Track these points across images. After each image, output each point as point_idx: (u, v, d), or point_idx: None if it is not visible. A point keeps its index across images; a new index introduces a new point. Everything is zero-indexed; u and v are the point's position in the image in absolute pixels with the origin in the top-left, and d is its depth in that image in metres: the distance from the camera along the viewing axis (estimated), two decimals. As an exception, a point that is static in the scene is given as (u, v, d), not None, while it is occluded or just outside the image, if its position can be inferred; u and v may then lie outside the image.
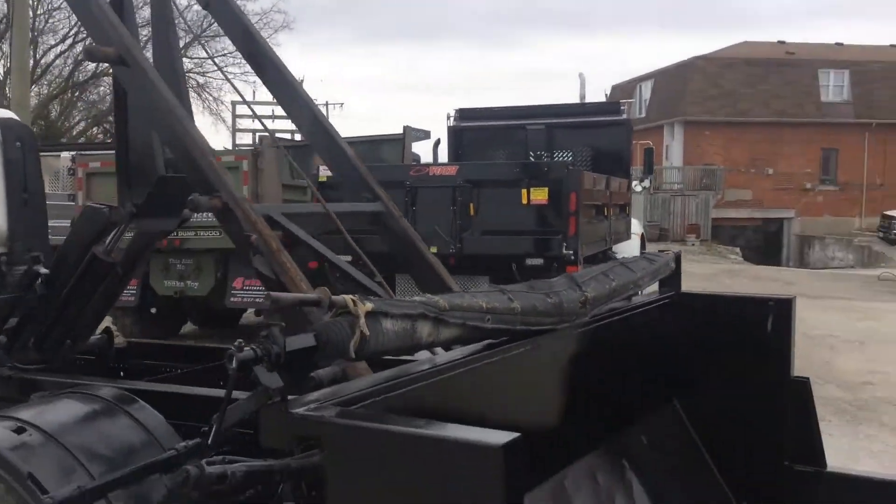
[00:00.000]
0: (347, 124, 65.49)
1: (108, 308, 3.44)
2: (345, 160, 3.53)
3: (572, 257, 6.86)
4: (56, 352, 3.16)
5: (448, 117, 10.89)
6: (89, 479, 2.38)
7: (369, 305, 1.84)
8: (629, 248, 9.96)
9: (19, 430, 2.52)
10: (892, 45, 41.58)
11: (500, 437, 1.43)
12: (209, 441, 1.84)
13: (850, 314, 12.32)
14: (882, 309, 13.25)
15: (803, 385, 3.00)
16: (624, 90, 44.76)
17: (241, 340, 1.68)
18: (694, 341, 3.13)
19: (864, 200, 36.34)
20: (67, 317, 3.12)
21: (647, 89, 41.88)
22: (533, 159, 9.69)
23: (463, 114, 10.74)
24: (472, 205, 7.09)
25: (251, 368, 1.65)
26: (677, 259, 3.27)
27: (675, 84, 37.89)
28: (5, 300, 3.15)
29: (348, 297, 1.82)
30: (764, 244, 35.30)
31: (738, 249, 31.03)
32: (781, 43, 40.87)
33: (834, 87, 37.30)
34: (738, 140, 35.74)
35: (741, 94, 35.81)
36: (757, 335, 3.12)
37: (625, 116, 10.69)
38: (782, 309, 3.12)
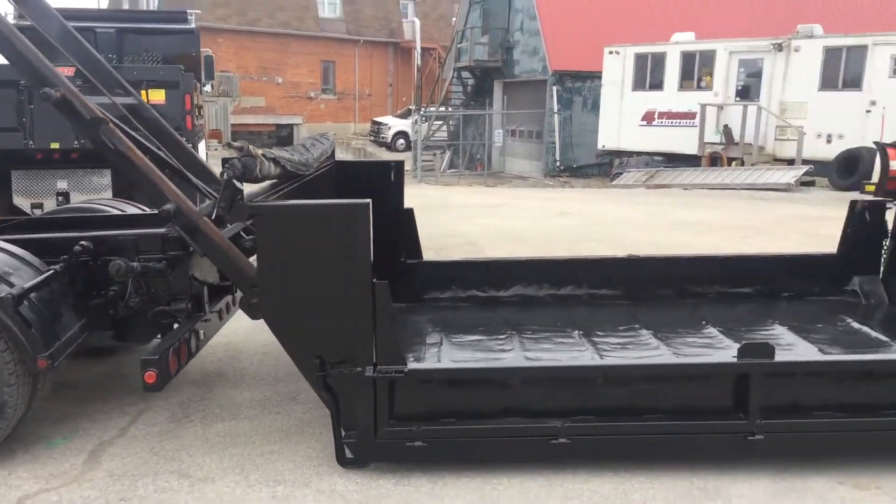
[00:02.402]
0: None
1: None
2: (97, 62, 4.63)
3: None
4: None
5: (16, 17, 10.72)
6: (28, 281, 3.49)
7: (259, 151, 3.46)
8: (202, 145, 11.42)
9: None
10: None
11: (358, 203, 3.29)
12: (216, 210, 3.30)
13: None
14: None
15: (409, 213, 5.32)
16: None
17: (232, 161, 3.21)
18: (345, 191, 5.16)
19: (357, 108, 42.09)
20: None
21: (154, -7, 41.04)
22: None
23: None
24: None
25: (233, 177, 3.20)
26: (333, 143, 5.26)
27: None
28: None
29: (251, 147, 3.42)
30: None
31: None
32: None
33: (329, 3, 41.61)
34: (249, 48, 37.85)
35: (249, 3, 37.80)
36: (385, 187, 5.30)
37: (193, 26, 11.83)
38: (398, 167, 5.37)
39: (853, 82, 17.57)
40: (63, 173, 8.13)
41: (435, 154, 26.62)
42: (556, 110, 24.61)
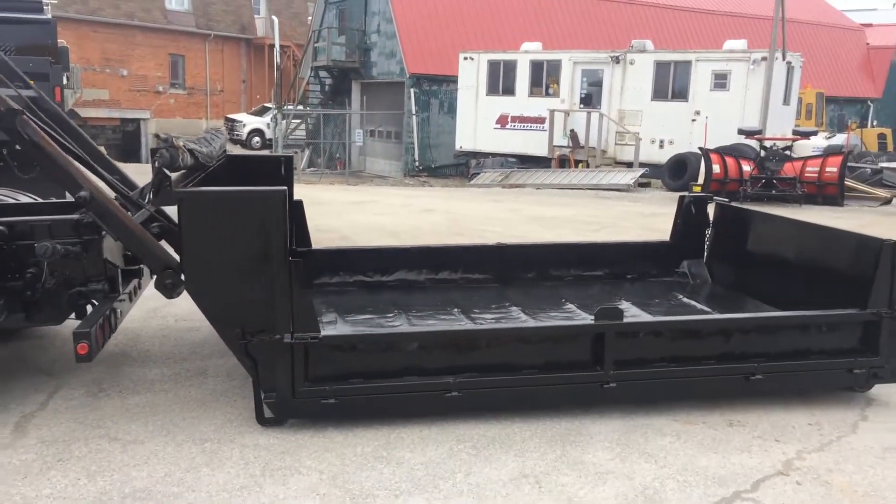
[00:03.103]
0: None
1: None
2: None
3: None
4: None
5: None
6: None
7: (180, 143, 3.83)
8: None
9: None
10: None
11: (277, 190, 3.74)
12: (152, 195, 3.62)
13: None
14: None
15: (299, 204, 5.75)
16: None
17: (161, 142, 3.56)
18: (239, 182, 5.54)
19: (209, 104, 41.07)
20: None
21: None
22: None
23: None
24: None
25: (163, 166, 3.56)
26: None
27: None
28: None
29: (176, 139, 3.78)
30: (123, 143, 37.04)
31: (102, 148, 32.16)
32: (122, -56, 41.88)
33: (176, -4, 40.37)
34: (91, 38, 36.09)
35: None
36: (275, 179, 5.71)
37: (49, 16, 11.52)
38: (288, 161, 5.79)
39: (681, 93, 19.49)
40: (-78, 164, 7.84)
41: (295, 153, 26.67)
42: (414, 112, 25.39)
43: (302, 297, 3.84)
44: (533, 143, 20.89)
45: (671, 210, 6.74)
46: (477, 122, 21.96)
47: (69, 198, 4.18)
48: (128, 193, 4.77)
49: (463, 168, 24.45)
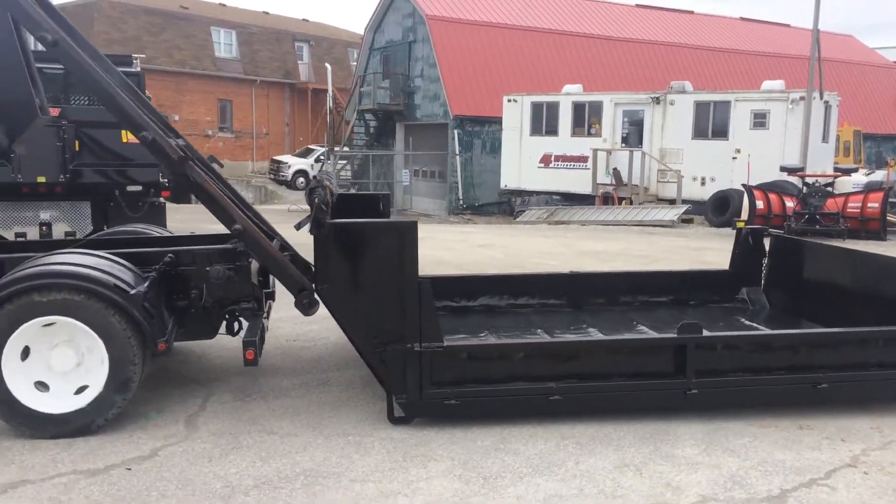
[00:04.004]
0: None
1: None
2: (150, 106, 5.55)
3: (166, 183, 9.04)
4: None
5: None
6: (136, 284, 4.40)
7: (328, 183, 4.56)
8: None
9: (80, 265, 4.31)
10: (265, 12, 48.56)
11: (411, 222, 4.43)
12: (311, 226, 4.32)
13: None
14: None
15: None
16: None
17: (314, 181, 4.28)
18: (347, 217, 6.27)
19: (255, 147, 42.52)
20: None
21: (43, 25, 40.32)
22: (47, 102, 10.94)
23: None
24: (77, 142, 8.53)
25: (321, 202, 4.27)
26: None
27: (78, 24, 37.55)
28: None
29: (324, 178, 4.51)
30: (174, 184, 38.43)
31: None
32: (174, -4, 43.92)
33: (225, 44, 42.12)
34: (148, 86, 37.52)
35: (145, 41, 37.81)
36: (375, 215, 6.41)
37: (138, 69, 12.53)
38: (385, 199, 6.50)
39: (720, 132, 20.08)
40: (46, 205, 8.74)
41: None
42: (457, 152, 26.25)
43: (428, 312, 4.51)
44: (576, 181, 21.58)
45: (718, 244, 7.35)
46: (521, 162, 22.73)
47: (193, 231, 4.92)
48: (261, 226, 5.51)
49: (505, 206, 25.17)
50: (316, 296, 4.74)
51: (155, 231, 6.14)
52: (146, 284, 4.43)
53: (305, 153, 37.99)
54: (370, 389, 5.14)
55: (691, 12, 37.08)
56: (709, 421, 4.76)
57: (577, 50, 28.98)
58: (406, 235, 4.42)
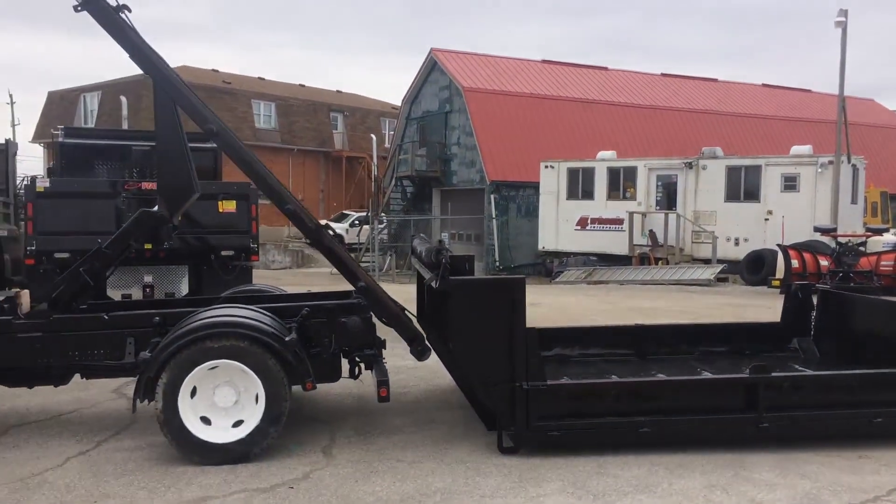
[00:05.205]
0: None
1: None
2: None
3: (256, 249, 9.98)
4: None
5: (55, 134, 12.26)
6: (283, 333, 5.18)
7: (447, 247, 5.37)
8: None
9: (242, 316, 5.12)
10: (301, 85, 50.65)
11: (520, 277, 5.21)
12: (438, 282, 5.11)
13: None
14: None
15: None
16: (65, 98, 44.26)
17: (439, 245, 5.08)
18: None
19: (291, 212, 43.82)
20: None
21: (93, 101, 42.49)
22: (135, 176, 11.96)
23: (68, 132, 12.25)
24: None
25: (446, 262, 5.07)
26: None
27: (130, 100, 39.51)
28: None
29: (445, 243, 5.32)
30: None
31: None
32: (216, 72, 46.09)
33: (265, 115, 43.98)
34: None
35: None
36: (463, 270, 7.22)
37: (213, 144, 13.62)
38: (470, 260, 7.30)
39: (752, 195, 20.86)
40: (147, 269, 9.64)
41: (379, 255, 28.61)
42: (494, 216, 27.20)
43: (534, 355, 5.24)
44: (612, 242, 22.36)
45: (755, 301, 8.07)
46: (558, 224, 23.60)
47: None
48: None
49: (540, 267, 25.94)
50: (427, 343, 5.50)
51: (274, 290, 6.97)
52: (294, 334, 5.22)
53: (340, 218, 39.22)
54: (473, 426, 5.84)
55: (715, 80, 38.32)
56: (778, 451, 5.39)
57: (607, 117, 30.14)
58: (515, 289, 5.20)
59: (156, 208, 5.82)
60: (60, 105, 44.27)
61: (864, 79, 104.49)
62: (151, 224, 5.83)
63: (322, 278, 25.04)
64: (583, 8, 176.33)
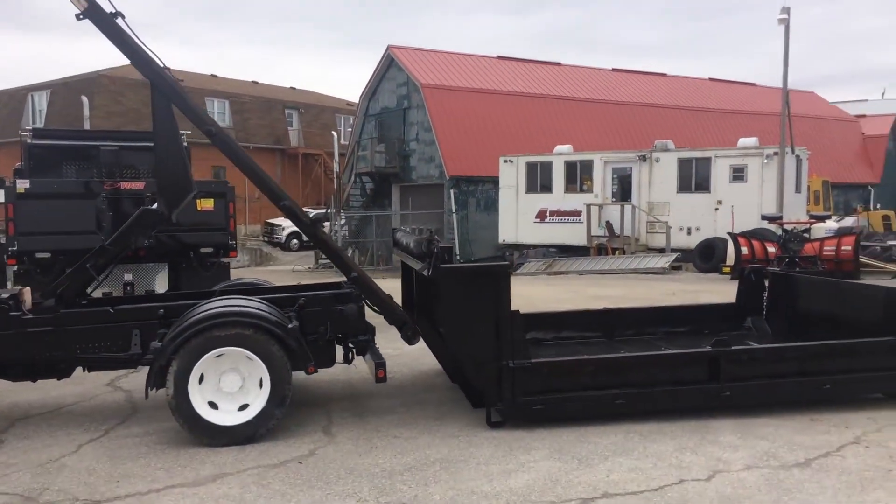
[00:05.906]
0: None
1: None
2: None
3: (234, 245, 10.24)
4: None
5: (23, 135, 12.29)
6: (284, 321, 5.54)
7: (436, 238, 5.78)
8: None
9: (246, 306, 5.47)
10: (254, 82, 50.42)
11: (504, 264, 5.66)
12: (430, 271, 5.51)
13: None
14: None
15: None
16: (13, 97, 43.36)
17: (429, 235, 5.50)
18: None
19: (247, 210, 43.69)
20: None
21: (41, 100, 41.75)
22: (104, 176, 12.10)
23: (37, 133, 12.30)
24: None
25: (433, 251, 5.49)
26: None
27: (74, 97, 38.92)
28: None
29: (434, 234, 5.74)
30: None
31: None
32: (167, 69, 45.55)
33: (218, 113, 43.69)
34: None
35: (144, 113, 39.19)
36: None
37: (185, 143, 13.76)
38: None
39: (703, 186, 21.68)
40: (129, 267, 9.84)
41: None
42: (453, 210, 27.66)
43: (519, 336, 5.69)
44: (571, 234, 23.00)
45: (709, 287, 8.71)
46: (518, 218, 24.16)
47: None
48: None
49: (499, 260, 26.47)
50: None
51: (264, 283, 7.30)
52: (295, 322, 5.58)
53: (299, 216, 39.27)
54: (460, 405, 6.28)
55: (664, 74, 39.37)
56: (739, 417, 5.94)
57: (563, 112, 30.81)
58: (501, 276, 5.64)
59: (155, 206, 6.10)
60: (8, 105, 43.35)
61: (805, 73, 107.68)
62: (152, 221, 6.11)
63: (285, 275, 25.21)
64: (530, 1, 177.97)
